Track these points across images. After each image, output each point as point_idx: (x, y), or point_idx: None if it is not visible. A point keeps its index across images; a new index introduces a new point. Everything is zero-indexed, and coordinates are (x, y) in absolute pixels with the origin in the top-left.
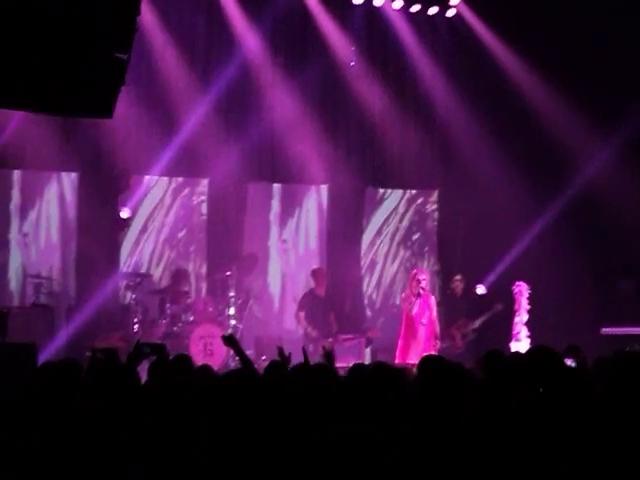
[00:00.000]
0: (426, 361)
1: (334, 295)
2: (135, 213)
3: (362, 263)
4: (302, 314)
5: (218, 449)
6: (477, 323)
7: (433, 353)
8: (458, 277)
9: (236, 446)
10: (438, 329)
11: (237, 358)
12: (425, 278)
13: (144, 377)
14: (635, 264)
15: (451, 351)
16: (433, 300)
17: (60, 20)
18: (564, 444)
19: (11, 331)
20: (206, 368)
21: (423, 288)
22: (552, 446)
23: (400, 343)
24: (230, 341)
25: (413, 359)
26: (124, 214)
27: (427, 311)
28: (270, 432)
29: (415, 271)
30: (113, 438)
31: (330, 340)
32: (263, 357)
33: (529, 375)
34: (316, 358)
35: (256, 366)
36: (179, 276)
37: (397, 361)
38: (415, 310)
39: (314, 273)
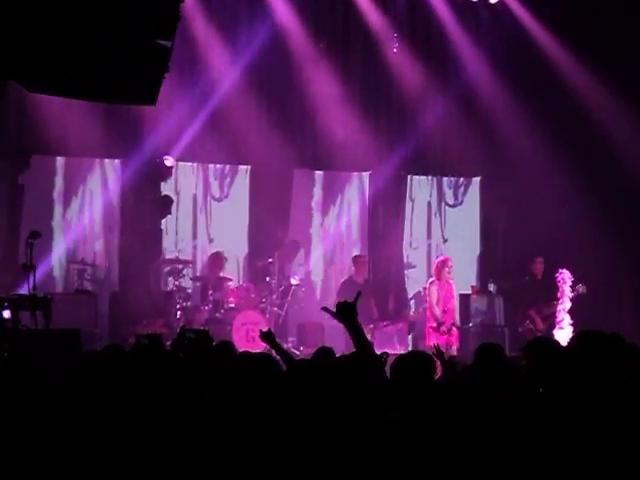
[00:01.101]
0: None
1: (375, 282)
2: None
3: (405, 250)
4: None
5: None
6: (559, 305)
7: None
8: (539, 259)
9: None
10: (456, 316)
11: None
12: (451, 265)
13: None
14: None
15: (531, 334)
16: (454, 288)
17: (105, 8)
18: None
19: (55, 317)
20: (248, 354)
21: (449, 275)
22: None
23: (427, 328)
24: (267, 337)
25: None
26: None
27: (451, 298)
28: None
29: (443, 258)
30: (157, 424)
31: (370, 327)
32: (301, 348)
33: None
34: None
35: (298, 353)
36: (215, 261)
37: (427, 344)
38: (440, 296)
39: (354, 260)
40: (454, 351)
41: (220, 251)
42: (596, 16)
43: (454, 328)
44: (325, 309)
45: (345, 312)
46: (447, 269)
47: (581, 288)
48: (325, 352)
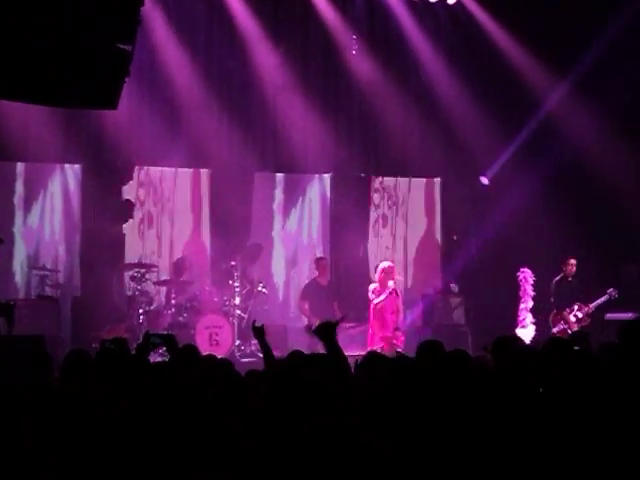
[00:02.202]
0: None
1: (338, 283)
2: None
3: (368, 251)
4: (306, 304)
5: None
6: (592, 307)
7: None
8: (572, 260)
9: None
10: (401, 318)
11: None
12: (391, 272)
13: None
14: (637, 250)
15: (565, 335)
16: (399, 291)
17: (64, 11)
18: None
19: (17, 323)
20: (211, 358)
21: (388, 281)
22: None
23: (370, 331)
24: (257, 332)
25: (379, 345)
26: None
27: (394, 302)
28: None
29: (387, 266)
30: (125, 427)
31: None
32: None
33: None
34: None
35: (260, 356)
36: (180, 266)
37: (368, 348)
38: (381, 301)
39: (317, 262)
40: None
41: (184, 255)
42: (553, 15)
43: (398, 333)
44: (309, 331)
45: (326, 332)
46: (389, 275)
47: (613, 292)
48: (296, 356)
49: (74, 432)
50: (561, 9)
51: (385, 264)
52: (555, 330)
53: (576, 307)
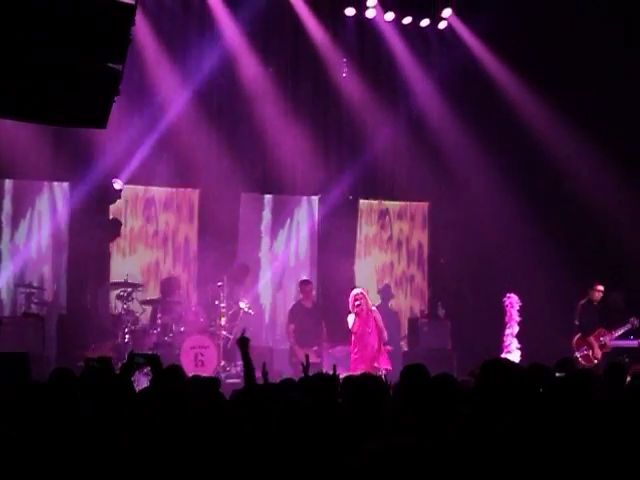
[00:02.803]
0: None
1: (325, 305)
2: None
3: (355, 272)
4: (292, 327)
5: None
6: (615, 334)
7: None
8: (599, 287)
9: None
10: (385, 336)
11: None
12: (361, 298)
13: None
14: (624, 276)
15: (588, 360)
16: (376, 313)
17: (54, 30)
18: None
19: (2, 340)
20: (197, 378)
21: (360, 307)
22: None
23: (352, 357)
24: (243, 344)
25: (363, 368)
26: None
27: (371, 324)
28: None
29: (358, 292)
30: (107, 447)
31: (314, 349)
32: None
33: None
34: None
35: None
36: (170, 285)
37: (350, 372)
38: (356, 326)
39: (301, 285)
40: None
41: (175, 275)
42: (543, 42)
43: (386, 347)
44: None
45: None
46: (357, 302)
47: (636, 321)
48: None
49: (55, 449)
50: (550, 36)
51: (356, 291)
52: (578, 355)
53: (600, 332)
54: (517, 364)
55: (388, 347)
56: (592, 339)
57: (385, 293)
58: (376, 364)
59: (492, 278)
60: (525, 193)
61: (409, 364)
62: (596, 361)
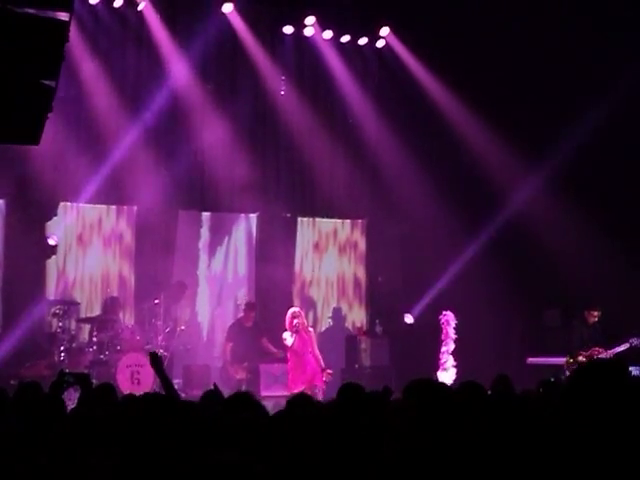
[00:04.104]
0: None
1: (265, 323)
2: (62, 241)
3: (293, 290)
4: (230, 345)
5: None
6: (609, 354)
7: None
8: (595, 313)
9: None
10: (321, 360)
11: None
12: (298, 316)
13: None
14: (560, 294)
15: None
16: (312, 334)
17: None
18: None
19: None
20: (132, 397)
21: (298, 325)
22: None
23: (289, 375)
24: (154, 359)
25: (300, 387)
26: (52, 241)
27: (309, 343)
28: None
29: (295, 311)
30: (36, 467)
31: (245, 364)
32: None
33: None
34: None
35: (184, 395)
36: (112, 304)
37: (288, 391)
38: (294, 344)
39: (247, 306)
40: (318, 395)
41: (117, 295)
42: (477, 59)
43: (327, 371)
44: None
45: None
46: (295, 320)
47: (635, 341)
48: (213, 395)
49: None
50: (485, 54)
51: (293, 309)
52: (569, 374)
53: (596, 352)
54: (443, 384)
55: (329, 370)
56: (583, 359)
57: (337, 314)
58: (316, 382)
59: (429, 295)
60: (462, 209)
61: (346, 382)
62: None
